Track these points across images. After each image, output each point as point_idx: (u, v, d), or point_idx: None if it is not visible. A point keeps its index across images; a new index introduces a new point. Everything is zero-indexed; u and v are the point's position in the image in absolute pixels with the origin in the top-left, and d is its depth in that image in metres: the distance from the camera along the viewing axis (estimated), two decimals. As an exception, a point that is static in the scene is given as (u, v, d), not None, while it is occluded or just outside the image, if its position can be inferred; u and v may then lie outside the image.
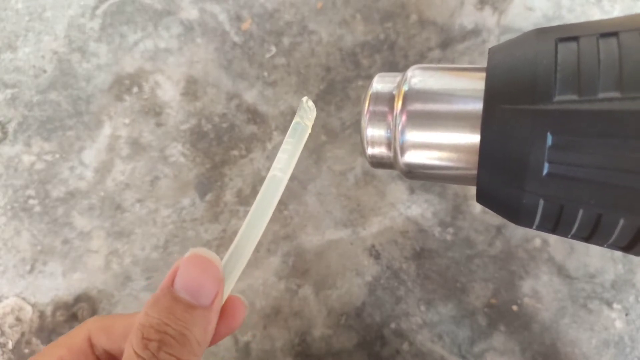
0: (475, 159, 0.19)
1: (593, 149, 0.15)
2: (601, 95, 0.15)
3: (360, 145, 0.23)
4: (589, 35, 0.17)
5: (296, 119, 0.21)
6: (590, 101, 0.15)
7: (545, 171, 0.16)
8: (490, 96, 0.18)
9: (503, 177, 0.18)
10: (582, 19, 0.40)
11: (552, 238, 0.37)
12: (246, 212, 0.39)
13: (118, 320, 0.22)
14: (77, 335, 0.21)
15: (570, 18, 0.40)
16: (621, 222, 0.16)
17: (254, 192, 0.39)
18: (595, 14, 0.40)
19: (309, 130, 0.21)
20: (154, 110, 0.41)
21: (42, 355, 0.21)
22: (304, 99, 0.22)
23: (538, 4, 0.40)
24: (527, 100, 0.16)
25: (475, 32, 0.40)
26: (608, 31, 0.16)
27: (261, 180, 0.39)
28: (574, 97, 0.16)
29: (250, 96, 0.41)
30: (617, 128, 0.15)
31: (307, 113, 0.21)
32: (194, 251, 0.18)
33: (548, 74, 0.16)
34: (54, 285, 0.39)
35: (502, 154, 0.17)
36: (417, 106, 0.20)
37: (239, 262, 0.19)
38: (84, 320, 0.22)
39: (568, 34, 0.17)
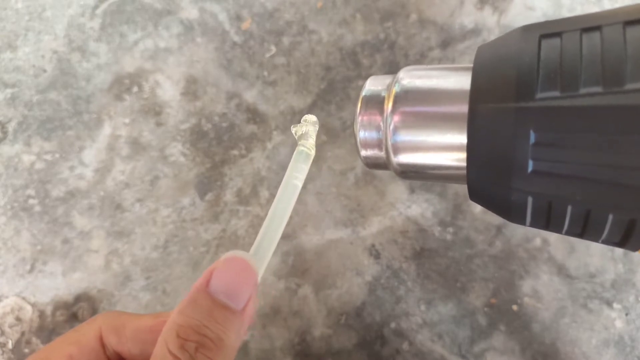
0: (464, 158, 0.19)
1: (576, 145, 0.15)
2: (583, 90, 0.15)
3: (354, 147, 0.24)
4: (572, 31, 0.16)
5: (300, 145, 0.22)
6: (572, 97, 0.15)
7: (530, 169, 0.16)
8: (475, 95, 0.18)
9: (491, 176, 0.18)
10: (583, 19, 0.40)
11: (553, 237, 0.37)
12: (246, 212, 0.39)
13: (129, 320, 0.21)
14: (87, 332, 0.21)
15: (571, 17, 0.40)
16: (610, 217, 0.16)
17: (254, 191, 0.39)
18: (596, 14, 0.40)
19: (313, 152, 0.22)
20: (154, 110, 0.41)
21: (51, 350, 0.20)
22: (307, 118, 0.22)
23: (538, 4, 0.40)
24: (510, 99, 0.16)
25: (476, 31, 0.40)
26: (591, 25, 0.16)
27: (261, 179, 0.39)
28: (556, 93, 0.16)
29: (250, 96, 0.41)
30: (600, 123, 0.15)
31: (308, 129, 0.22)
32: (232, 254, 0.18)
33: (530, 71, 0.16)
34: (54, 285, 0.39)
35: (488, 153, 0.17)
36: (407, 107, 0.20)
37: (261, 264, 0.19)
38: (93, 317, 0.21)
39: (552, 30, 0.17)
